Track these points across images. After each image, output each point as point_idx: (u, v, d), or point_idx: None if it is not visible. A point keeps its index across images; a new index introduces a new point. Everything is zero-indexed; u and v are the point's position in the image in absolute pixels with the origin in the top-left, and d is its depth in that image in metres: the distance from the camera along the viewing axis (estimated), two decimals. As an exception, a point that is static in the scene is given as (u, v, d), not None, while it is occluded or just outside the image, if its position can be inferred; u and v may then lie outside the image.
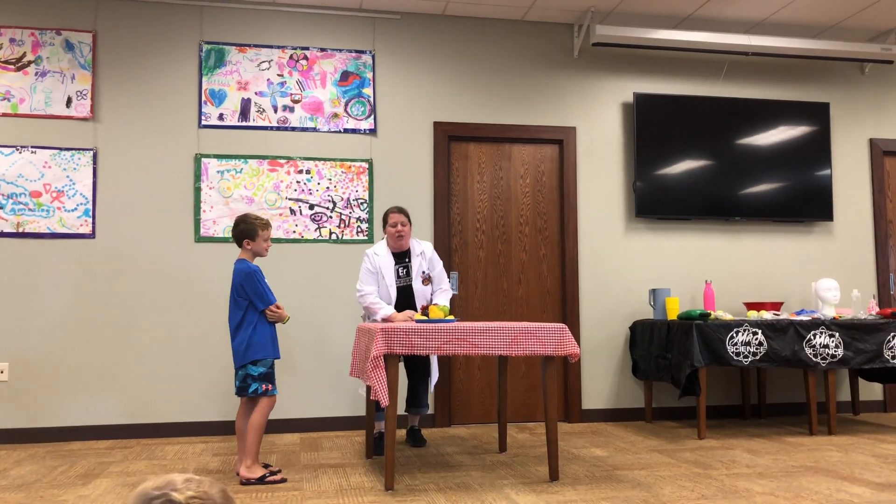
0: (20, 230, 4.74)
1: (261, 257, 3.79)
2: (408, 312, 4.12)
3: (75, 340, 4.76)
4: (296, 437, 4.81)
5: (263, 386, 3.58)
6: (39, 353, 4.72)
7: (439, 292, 4.37)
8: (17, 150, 4.77)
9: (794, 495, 3.21)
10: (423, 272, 4.33)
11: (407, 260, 4.33)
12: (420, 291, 4.31)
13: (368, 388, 4.17)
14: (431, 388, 4.51)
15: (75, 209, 4.81)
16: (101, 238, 4.84)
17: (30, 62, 4.84)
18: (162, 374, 4.84)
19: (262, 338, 3.62)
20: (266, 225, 3.75)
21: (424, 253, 4.37)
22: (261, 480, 3.50)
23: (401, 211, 4.30)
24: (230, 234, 4.91)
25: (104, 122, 4.91)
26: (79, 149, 4.85)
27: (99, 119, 4.90)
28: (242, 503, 3.16)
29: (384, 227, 4.33)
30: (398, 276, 4.30)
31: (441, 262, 4.45)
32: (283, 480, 3.55)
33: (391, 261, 4.30)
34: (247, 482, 3.48)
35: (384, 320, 4.10)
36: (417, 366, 4.39)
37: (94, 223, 4.84)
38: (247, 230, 3.71)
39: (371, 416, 4.11)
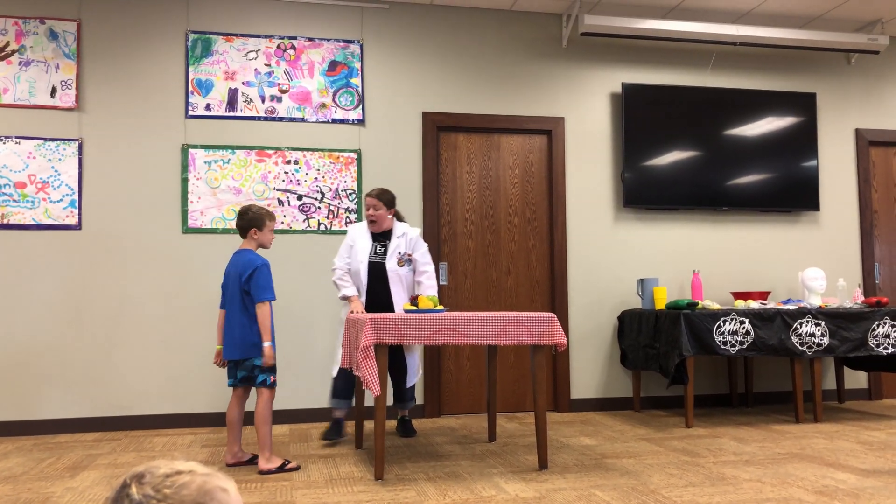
0: (5, 221, 4.69)
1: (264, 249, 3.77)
2: (362, 310, 4.08)
3: (62, 332, 4.73)
4: (285, 428, 4.80)
5: (271, 377, 3.59)
6: (26, 345, 4.68)
7: (423, 284, 4.26)
8: (2, 140, 4.72)
9: (781, 482, 3.24)
10: (400, 253, 4.24)
11: (386, 240, 4.28)
12: (394, 271, 4.20)
13: (343, 371, 4.17)
14: (411, 384, 4.37)
15: (61, 200, 4.77)
16: (87, 229, 4.81)
17: (13, 51, 4.79)
18: (149, 365, 4.82)
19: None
20: (273, 216, 3.74)
21: (407, 235, 4.29)
22: (281, 469, 3.53)
23: (373, 195, 4.23)
24: (218, 226, 4.94)
25: (89, 113, 4.86)
26: (64, 139, 4.80)
27: (84, 109, 4.86)
28: (232, 494, 3.15)
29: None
30: (374, 253, 4.22)
31: (426, 247, 4.35)
32: (298, 468, 3.60)
33: (369, 238, 4.26)
34: (267, 472, 3.49)
35: (342, 298, 4.19)
36: (393, 362, 4.29)
37: (80, 214, 4.80)
38: (255, 219, 3.67)
39: (361, 406, 4.10)
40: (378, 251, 4.24)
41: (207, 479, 1.08)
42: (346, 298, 4.18)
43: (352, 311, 4.04)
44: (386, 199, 4.25)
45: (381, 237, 4.28)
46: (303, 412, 4.96)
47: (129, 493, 1.03)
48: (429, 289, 4.24)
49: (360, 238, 4.25)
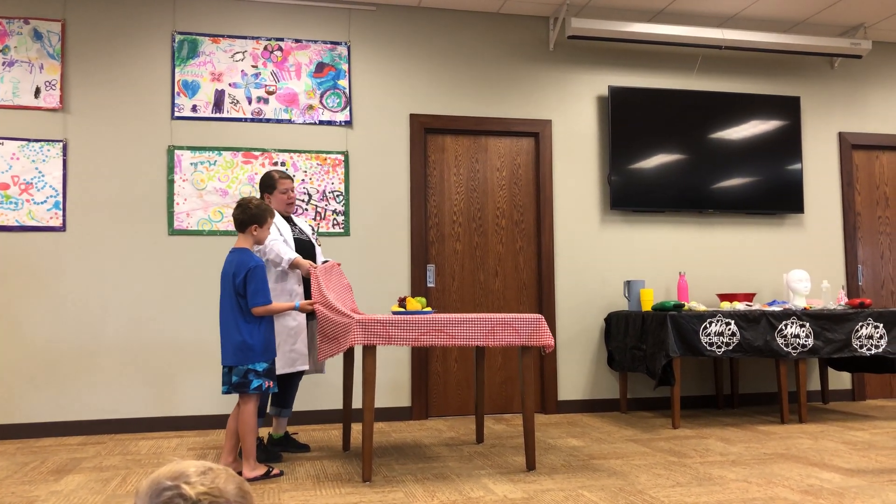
0: (-12, 223, 4.64)
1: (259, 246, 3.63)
2: (309, 261, 3.81)
3: (46, 335, 4.68)
4: (264, 431, 4.77)
5: (267, 382, 3.44)
6: (9, 347, 4.63)
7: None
8: (-15, 141, 4.67)
9: (767, 481, 3.27)
10: (315, 231, 4.19)
11: (293, 223, 4.12)
12: (318, 249, 4.16)
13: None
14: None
15: (45, 202, 4.73)
16: (71, 231, 4.77)
17: (-3, 51, 4.74)
18: (134, 368, 4.78)
19: (269, 336, 3.47)
20: (273, 213, 3.58)
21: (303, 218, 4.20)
22: (266, 475, 3.45)
23: (292, 178, 4.09)
24: (204, 227, 4.91)
25: (74, 113, 4.82)
26: (48, 140, 4.76)
27: (69, 110, 4.82)
28: (219, 496, 3.13)
29: (270, 192, 4.01)
30: (293, 233, 4.04)
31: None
32: (282, 473, 3.53)
33: (283, 220, 4.01)
34: (252, 480, 3.40)
35: (292, 265, 3.79)
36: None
37: (64, 216, 4.76)
38: (258, 215, 3.47)
39: (348, 408, 4.08)
40: (296, 231, 4.06)
41: (240, 478, 1.10)
42: (292, 263, 3.77)
43: (310, 267, 3.74)
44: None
45: (287, 219, 4.10)
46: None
47: (182, 493, 1.03)
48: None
49: (278, 221, 3.97)
